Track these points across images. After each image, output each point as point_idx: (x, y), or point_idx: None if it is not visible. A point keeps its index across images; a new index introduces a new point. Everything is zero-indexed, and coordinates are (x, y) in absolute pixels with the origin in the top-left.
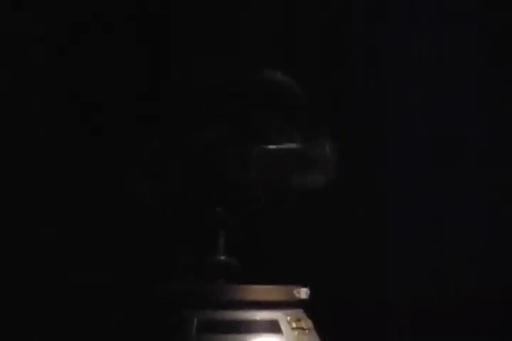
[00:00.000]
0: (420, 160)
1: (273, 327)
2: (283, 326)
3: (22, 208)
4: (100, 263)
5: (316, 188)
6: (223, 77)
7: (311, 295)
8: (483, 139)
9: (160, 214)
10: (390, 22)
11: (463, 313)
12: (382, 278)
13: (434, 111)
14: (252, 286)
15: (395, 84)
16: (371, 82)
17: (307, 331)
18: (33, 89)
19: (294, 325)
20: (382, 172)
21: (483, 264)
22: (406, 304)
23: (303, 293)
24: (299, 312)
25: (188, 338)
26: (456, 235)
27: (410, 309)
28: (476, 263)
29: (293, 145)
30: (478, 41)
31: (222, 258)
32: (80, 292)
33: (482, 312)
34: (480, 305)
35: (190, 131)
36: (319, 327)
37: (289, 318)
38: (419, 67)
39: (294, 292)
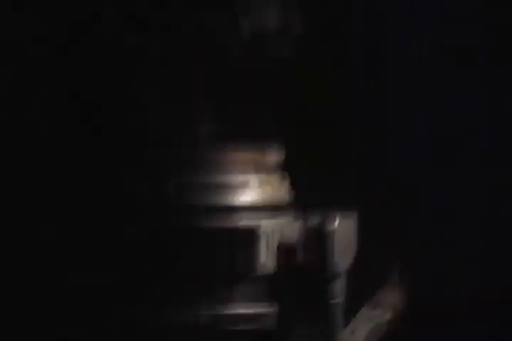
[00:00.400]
0: (420, 160)
1: None
2: None
3: (22, 208)
4: (100, 263)
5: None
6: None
7: None
8: (483, 139)
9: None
10: (390, 22)
11: (463, 313)
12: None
13: (434, 111)
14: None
15: (395, 84)
16: (371, 82)
17: None
18: (33, 89)
19: None
20: (382, 172)
21: (483, 264)
22: (406, 304)
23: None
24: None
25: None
26: (456, 235)
27: (410, 309)
28: (476, 263)
29: None
30: (478, 41)
31: None
32: (80, 292)
33: (482, 312)
34: (480, 305)
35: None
36: None
37: None
38: (419, 67)
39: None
